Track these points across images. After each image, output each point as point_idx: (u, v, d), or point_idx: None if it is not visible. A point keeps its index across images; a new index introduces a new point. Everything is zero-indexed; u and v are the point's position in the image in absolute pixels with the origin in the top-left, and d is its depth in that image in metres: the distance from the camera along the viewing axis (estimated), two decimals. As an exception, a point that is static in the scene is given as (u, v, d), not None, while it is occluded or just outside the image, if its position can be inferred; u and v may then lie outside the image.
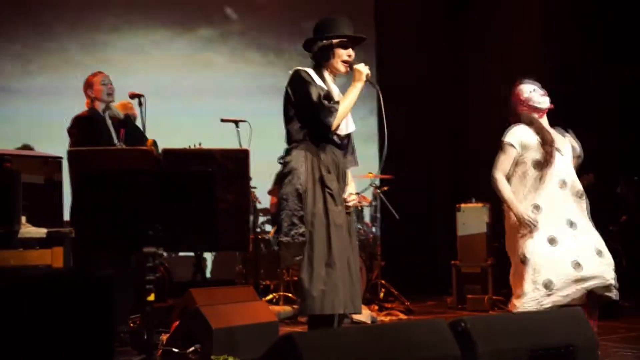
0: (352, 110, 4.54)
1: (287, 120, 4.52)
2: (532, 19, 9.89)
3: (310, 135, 4.45)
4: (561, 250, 4.84)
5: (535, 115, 5.06)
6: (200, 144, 5.70)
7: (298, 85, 4.46)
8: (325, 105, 4.37)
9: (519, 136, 5.03)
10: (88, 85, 6.31)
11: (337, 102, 4.42)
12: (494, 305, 8.12)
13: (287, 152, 4.48)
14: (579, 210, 5.00)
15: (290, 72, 4.55)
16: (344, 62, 4.53)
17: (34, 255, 4.33)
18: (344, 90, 4.56)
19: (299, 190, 4.35)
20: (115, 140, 6.25)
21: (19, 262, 4.27)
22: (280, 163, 4.52)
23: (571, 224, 4.93)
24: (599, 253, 4.88)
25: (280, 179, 4.47)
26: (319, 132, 4.44)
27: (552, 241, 4.86)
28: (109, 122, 6.26)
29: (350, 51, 4.54)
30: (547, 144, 4.95)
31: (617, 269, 4.98)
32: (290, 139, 4.50)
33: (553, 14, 9.50)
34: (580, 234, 4.91)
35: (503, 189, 5.01)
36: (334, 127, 4.40)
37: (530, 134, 5.02)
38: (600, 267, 4.85)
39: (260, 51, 10.08)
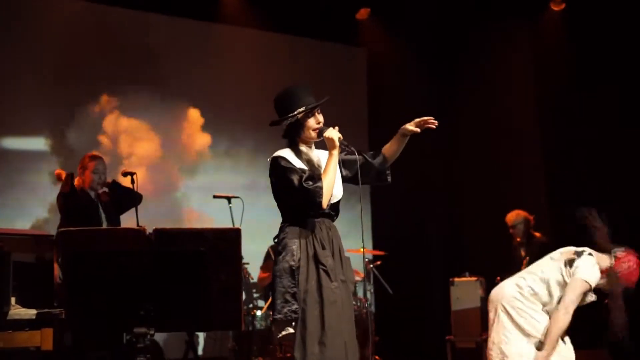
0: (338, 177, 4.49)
1: (279, 203, 4.51)
2: (527, 103, 10.01)
3: (303, 212, 4.43)
4: None
5: (609, 262, 5.05)
6: None
7: (279, 174, 4.40)
8: (310, 189, 4.29)
9: (595, 279, 5.00)
10: (82, 166, 6.29)
11: (320, 178, 4.35)
12: (490, 380, 8.01)
13: (282, 229, 4.46)
14: None
15: (269, 160, 4.48)
16: (315, 129, 4.47)
17: (23, 337, 4.27)
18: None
19: (292, 267, 4.33)
20: (103, 217, 6.21)
21: (7, 344, 4.21)
22: (275, 242, 4.50)
23: None
24: None
25: (276, 255, 4.45)
26: (311, 213, 4.43)
27: None
28: (95, 199, 6.23)
29: (319, 117, 4.48)
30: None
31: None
32: (284, 217, 4.50)
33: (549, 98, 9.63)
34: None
35: (561, 331, 4.98)
36: (324, 205, 4.37)
37: (597, 278, 5.00)
38: None
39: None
